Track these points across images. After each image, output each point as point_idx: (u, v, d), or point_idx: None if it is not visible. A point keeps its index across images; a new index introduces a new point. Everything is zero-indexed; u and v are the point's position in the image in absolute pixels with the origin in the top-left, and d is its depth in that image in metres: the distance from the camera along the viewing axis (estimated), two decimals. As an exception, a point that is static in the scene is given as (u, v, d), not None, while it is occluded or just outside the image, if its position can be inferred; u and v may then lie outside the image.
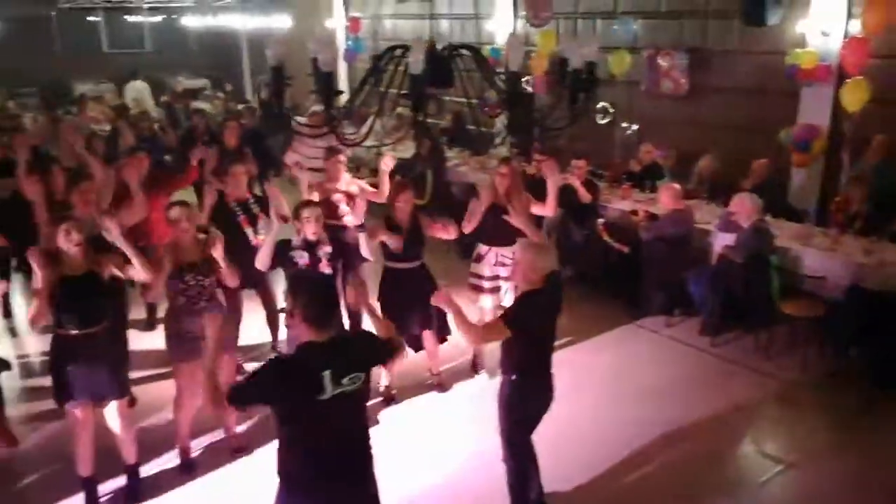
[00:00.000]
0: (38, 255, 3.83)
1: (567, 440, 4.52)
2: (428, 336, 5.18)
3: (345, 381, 2.73)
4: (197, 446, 4.62)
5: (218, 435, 4.69)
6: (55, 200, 5.42)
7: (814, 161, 7.04)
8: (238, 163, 5.71)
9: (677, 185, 6.51)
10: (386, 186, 5.50)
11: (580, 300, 6.72)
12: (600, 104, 9.02)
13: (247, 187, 5.59)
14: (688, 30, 8.25)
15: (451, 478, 4.38)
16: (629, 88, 8.82)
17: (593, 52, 2.45)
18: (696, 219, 6.44)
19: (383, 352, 3.10)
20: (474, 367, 5.57)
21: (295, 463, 2.80)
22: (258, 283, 5.51)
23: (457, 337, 4.61)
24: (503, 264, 5.27)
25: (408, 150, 8.41)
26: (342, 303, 3.77)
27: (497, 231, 5.15)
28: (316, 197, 5.24)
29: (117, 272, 4.06)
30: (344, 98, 3.13)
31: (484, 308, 5.39)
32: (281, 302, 4.93)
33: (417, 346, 5.20)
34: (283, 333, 5.63)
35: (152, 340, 5.22)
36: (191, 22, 13.19)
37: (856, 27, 6.56)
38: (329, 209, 5.26)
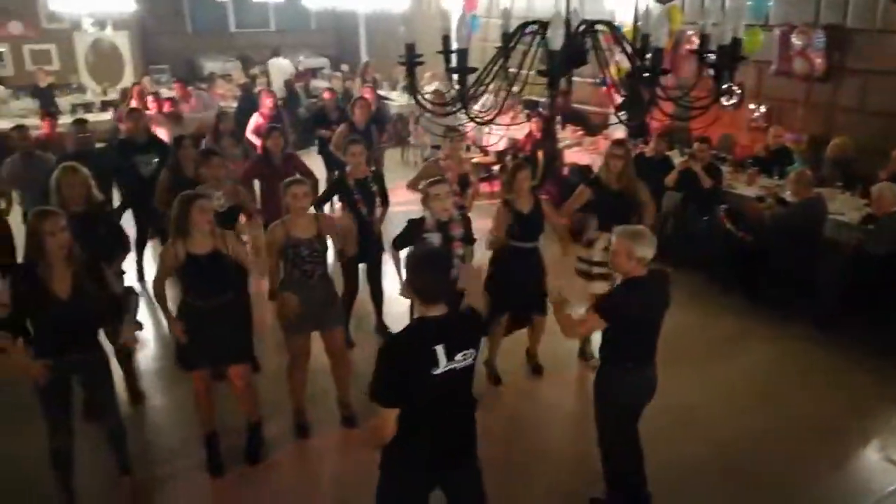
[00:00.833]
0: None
1: (674, 435, 4.41)
2: (539, 319, 5.16)
3: (458, 356, 2.76)
4: (311, 414, 4.78)
5: (331, 405, 4.86)
6: (185, 175, 5.74)
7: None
8: (355, 143, 5.84)
9: (809, 172, 6.16)
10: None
11: (696, 290, 6.51)
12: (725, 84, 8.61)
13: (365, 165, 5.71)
14: (826, 6, 7.72)
15: (545, 465, 4.35)
16: (758, 68, 8.37)
17: (739, 29, 2.33)
18: (829, 209, 6.09)
19: (484, 330, 3.11)
20: (583, 355, 5.51)
21: (404, 438, 2.83)
22: (371, 259, 5.66)
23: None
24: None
25: (520, 129, 8.37)
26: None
27: (609, 216, 5.03)
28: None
29: (240, 246, 4.25)
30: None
31: (594, 295, 5.31)
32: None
33: (518, 327, 5.19)
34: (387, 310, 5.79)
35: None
36: (312, 3, 13.56)
37: None
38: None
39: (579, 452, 4.03)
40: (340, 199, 5.63)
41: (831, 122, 7.58)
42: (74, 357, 3.69)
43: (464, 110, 2.62)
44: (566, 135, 9.33)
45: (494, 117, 2.62)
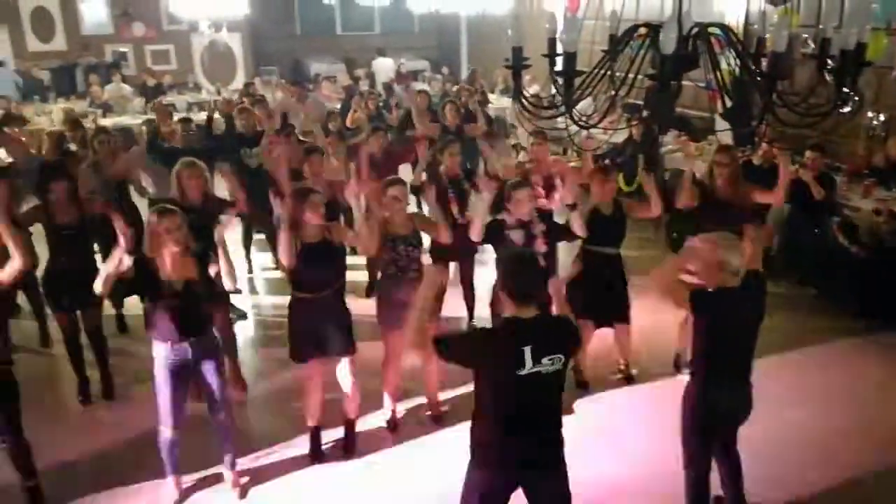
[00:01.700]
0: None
1: (771, 456, 4.23)
2: (620, 328, 5.08)
3: (545, 360, 2.75)
4: (401, 410, 4.90)
5: (421, 402, 4.95)
6: (290, 169, 5.97)
7: None
8: (453, 143, 5.90)
9: (933, 185, 5.78)
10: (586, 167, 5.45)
11: (804, 306, 6.22)
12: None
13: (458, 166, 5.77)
14: (959, 8, 7.22)
15: (629, 476, 4.27)
16: (877, 74, 7.89)
17: (864, 33, 2.23)
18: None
19: (575, 337, 3.08)
20: (676, 365, 5.37)
21: (487, 437, 2.87)
22: (462, 259, 5.70)
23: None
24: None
25: (620, 133, 8.20)
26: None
27: (712, 224, 4.87)
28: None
29: (345, 232, 4.41)
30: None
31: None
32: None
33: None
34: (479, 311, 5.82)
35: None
36: (416, 6, 13.80)
37: None
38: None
39: (668, 471, 3.93)
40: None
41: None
42: (190, 343, 3.90)
43: (566, 114, 2.61)
44: (668, 140, 9.09)
45: (599, 121, 2.59)
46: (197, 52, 15.00)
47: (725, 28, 2.50)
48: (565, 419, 2.98)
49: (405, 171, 6.20)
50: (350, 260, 4.58)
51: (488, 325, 4.89)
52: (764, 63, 2.52)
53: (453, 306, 5.92)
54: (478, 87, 11.13)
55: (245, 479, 4.28)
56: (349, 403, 4.52)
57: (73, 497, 4.15)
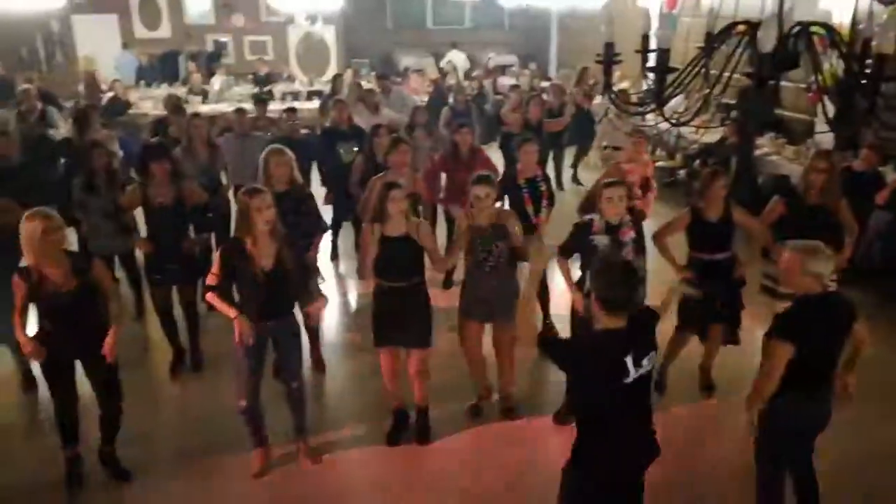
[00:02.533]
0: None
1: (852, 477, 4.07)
2: (714, 331, 4.94)
3: (644, 361, 2.77)
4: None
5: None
6: (377, 161, 6.10)
7: None
8: (529, 141, 5.87)
9: None
10: None
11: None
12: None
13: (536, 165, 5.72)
14: None
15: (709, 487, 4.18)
16: None
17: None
18: None
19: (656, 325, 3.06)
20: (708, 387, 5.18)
21: (595, 448, 2.88)
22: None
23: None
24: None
25: (713, 133, 8.01)
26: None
27: (802, 233, 4.66)
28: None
29: (429, 233, 4.45)
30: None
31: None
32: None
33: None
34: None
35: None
36: (507, 1, 13.80)
37: None
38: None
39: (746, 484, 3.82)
40: (509, 197, 5.67)
41: None
42: (272, 323, 4.07)
43: (658, 111, 2.58)
44: (764, 142, 8.79)
45: (691, 119, 2.55)
46: (293, 44, 15.44)
47: (829, 27, 2.42)
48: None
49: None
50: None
51: (565, 324, 4.88)
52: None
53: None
54: (584, 87, 10.96)
55: (318, 454, 4.43)
56: (418, 392, 4.60)
57: (157, 468, 4.35)
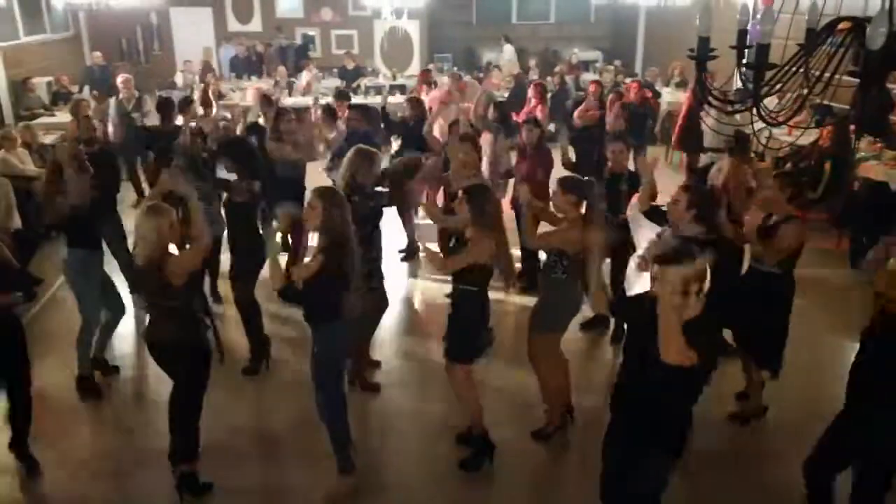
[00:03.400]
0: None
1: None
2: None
3: None
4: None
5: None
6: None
7: None
8: (615, 140, 5.74)
9: None
10: None
11: None
12: None
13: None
14: None
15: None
16: None
17: None
18: None
19: None
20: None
21: (657, 426, 2.90)
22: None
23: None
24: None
25: (807, 135, 7.63)
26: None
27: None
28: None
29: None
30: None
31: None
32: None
33: None
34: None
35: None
36: (594, -5, 13.65)
37: None
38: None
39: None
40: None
41: None
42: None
43: (755, 110, 2.49)
44: (862, 146, 8.34)
45: (788, 119, 2.45)
46: (378, 38, 15.63)
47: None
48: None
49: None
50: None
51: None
52: None
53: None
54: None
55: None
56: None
57: (230, 464, 4.34)
